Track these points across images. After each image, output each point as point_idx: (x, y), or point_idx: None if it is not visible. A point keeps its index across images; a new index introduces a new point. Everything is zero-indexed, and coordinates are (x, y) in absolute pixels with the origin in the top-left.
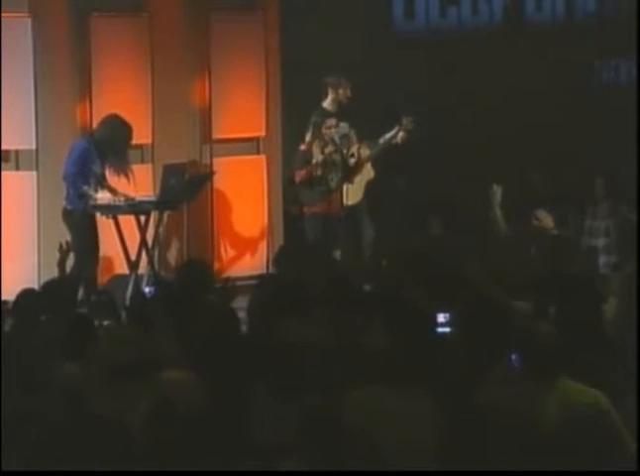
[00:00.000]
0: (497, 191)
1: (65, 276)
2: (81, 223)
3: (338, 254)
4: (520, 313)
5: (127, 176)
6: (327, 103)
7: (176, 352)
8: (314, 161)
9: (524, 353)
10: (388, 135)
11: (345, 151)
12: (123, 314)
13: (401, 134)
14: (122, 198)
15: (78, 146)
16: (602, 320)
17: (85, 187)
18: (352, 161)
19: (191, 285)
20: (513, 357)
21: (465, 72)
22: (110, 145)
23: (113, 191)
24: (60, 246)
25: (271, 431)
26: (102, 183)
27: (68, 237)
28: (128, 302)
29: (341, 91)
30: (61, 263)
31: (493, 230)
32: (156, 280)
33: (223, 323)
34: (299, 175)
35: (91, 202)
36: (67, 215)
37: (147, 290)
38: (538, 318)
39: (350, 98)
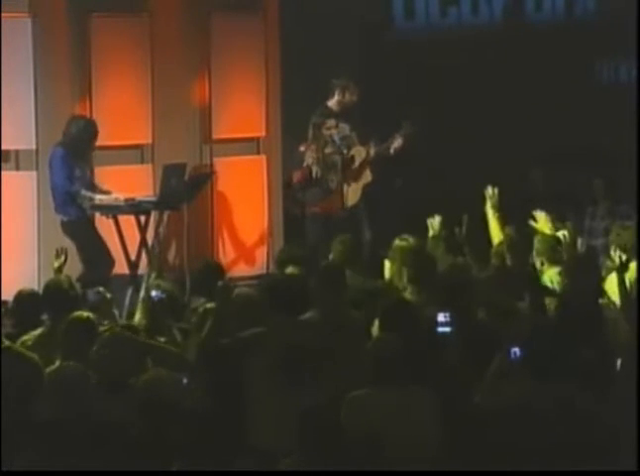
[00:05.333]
0: (493, 193)
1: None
2: (83, 231)
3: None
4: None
5: (92, 174)
6: (332, 103)
7: (179, 353)
8: (313, 161)
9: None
10: (395, 138)
11: (345, 152)
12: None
13: (403, 136)
14: (119, 198)
15: (58, 152)
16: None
17: (83, 191)
18: (353, 162)
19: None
20: (513, 351)
21: (464, 72)
22: (77, 145)
23: (102, 192)
24: (57, 252)
25: (271, 431)
26: (89, 185)
27: (68, 239)
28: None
29: (347, 95)
30: (58, 271)
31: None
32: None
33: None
34: (297, 175)
35: (87, 204)
36: (67, 227)
37: (154, 294)
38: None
39: (354, 104)
